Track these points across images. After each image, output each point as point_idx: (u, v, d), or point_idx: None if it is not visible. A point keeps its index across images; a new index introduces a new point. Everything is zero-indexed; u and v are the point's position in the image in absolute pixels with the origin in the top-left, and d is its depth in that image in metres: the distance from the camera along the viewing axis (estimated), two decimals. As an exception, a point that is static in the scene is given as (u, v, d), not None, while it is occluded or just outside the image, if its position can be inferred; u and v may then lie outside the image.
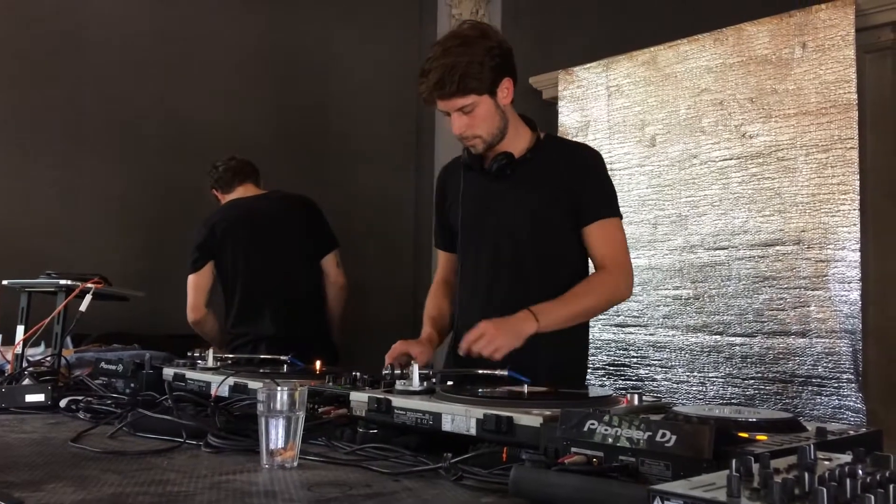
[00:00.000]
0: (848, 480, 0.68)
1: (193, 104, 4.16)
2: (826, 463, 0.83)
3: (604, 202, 1.97)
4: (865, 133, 2.89)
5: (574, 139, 3.48)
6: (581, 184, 1.95)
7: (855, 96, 2.83)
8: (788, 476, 0.72)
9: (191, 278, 3.17)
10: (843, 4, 2.87)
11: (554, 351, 1.87)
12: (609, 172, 2.10)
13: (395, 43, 4.80)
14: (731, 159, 3.18)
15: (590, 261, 2.02)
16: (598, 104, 3.68)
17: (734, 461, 0.75)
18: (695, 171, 3.29)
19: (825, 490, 0.65)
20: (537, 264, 1.96)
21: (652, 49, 3.48)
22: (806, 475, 0.70)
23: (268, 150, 4.41)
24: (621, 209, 2.04)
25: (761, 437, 1.00)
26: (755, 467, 0.76)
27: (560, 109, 3.82)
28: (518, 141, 1.98)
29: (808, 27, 2.97)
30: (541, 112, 3.74)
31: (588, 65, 3.74)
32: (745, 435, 1.00)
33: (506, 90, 1.91)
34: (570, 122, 3.77)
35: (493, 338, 1.71)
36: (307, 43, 4.56)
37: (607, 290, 1.93)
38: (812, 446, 0.83)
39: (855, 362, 2.77)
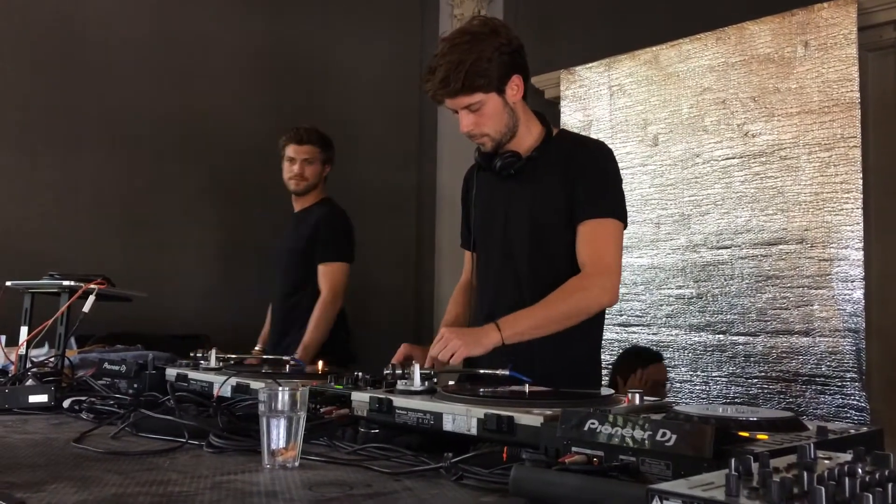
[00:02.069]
0: (847, 479, 0.68)
1: (195, 105, 4.17)
2: (826, 462, 0.83)
3: (596, 200, 1.86)
4: (868, 131, 2.89)
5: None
6: (577, 180, 1.87)
7: (857, 95, 2.83)
8: (787, 475, 0.72)
9: (347, 267, 3.12)
10: (846, 3, 2.87)
11: (560, 351, 1.83)
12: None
13: (396, 43, 4.81)
14: (733, 158, 3.17)
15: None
16: (601, 104, 3.68)
17: (733, 460, 0.75)
18: (697, 171, 3.29)
19: (823, 489, 0.65)
20: (540, 266, 1.90)
21: (654, 48, 3.48)
22: (805, 474, 0.70)
23: (269, 150, 4.42)
24: None
25: (762, 436, 1.00)
26: (754, 466, 0.76)
27: (562, 109, 3.82)
28: (529, 138, 1.93)
29: (811, 26, 2.96)
30: (543, 112, 3.75)
31: (590, 64, 3.74)
32: (745, 434, 1.00)
33: (515, 87, 1.86)
34: (573, 121, 3.77)
35: (448, 341, 1.68)
36: (309, 43, 4.56)
37: (582, 296, 1.81)
38: (812, 445, 0.83)
39: (858, 361, 2.77)
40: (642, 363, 2.98)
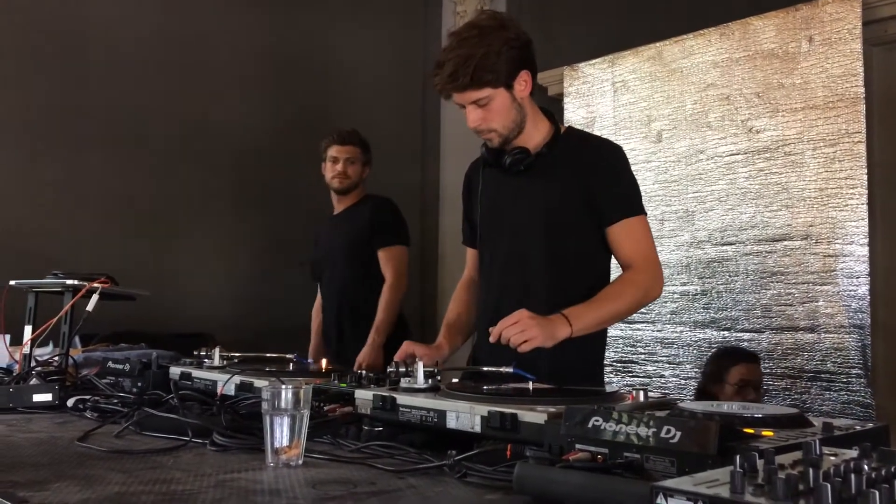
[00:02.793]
0: (853, 476, 0.67)
1: (198, 103, 4.17)
2: (832, 458, 0.83)
3: (624, 200, 1.88)
4: (873, 127, 2.88)
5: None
6: (599, 182, 1.87)
7: (862, 90, 2.82)
8: (793, 471, 0.72)
9: (407, 251, 3.19)
10: (850, -3, 2.86)
11: (565, 349, 1.80)
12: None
13: (399, 40, 4.81)
14: (737, 154, 3.16)
15: (612, 260, 1.94)
16: (604, 100, 3.67)
17: (738, 457, 0.74)
18: (701, 167, 3.28)
19: (829, 486, 0.64)
20: (549, 263, 1.89)
21: (657, 44, 3.47)
22: (811, 471, 0.70)
23: (272, 149, 4.43)
24: None
25: (767, 432, 1.00)
26: (759, 463, 0.75)
27: (565, 106, 3.81)
28: (536, 135, 1.91)
29: (815, 21, 2.95)
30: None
31: (593, 60, 3.73)
32: (750, 431, 0.99)
33: (523, 83, 1.84)
34: (576, 118, 3.76)
35: (527, 327, 1.65)
36: (311, 41, 4.56)
37: (639, 290, 1.84)
38: (817, 442, 0.82)
39: (864, 357, 2.76)
40: (731, 362, 2.81)
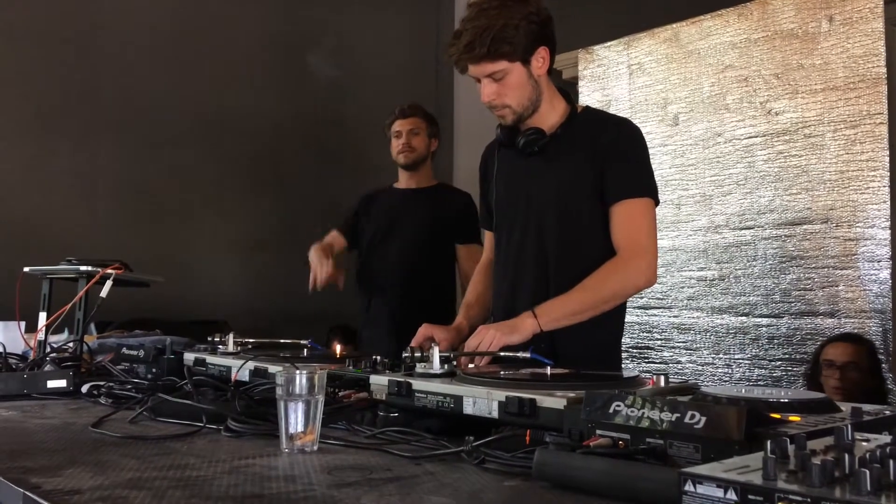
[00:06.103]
0: (891, 462, 0.65)
1: (211, 90, 4.16)
2: (864, 444, 0.80)
3: (628, 181, 1.82)
4: (895, 107, 2.82)
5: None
6: (607, 161, 1.82)
7: (884, 70, 2.76)
8: (827, 457, 0.69)
9: None
10: (872, -25, 2.80)
11: (581, 334, 1.78)
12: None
13: (411, 24, 4.77)
14: (756, 137, 3.11)
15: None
16: (620, 83, 3.62)
17: (769, 443, 0.72)
18: (719, 150, 3.24)
19: (868, 472, 0.62)
20: (563, 245, 1.86)
21: (674, 25, 3.42)
22: (846, 456, 0.67)
23: (285, 135, 4.42)
24: None
25: (794, 417, 0.97)
26: (791, 449, 0.73)
27: (580, 89, 3.76)
28: (552, 115, 1.88)
29: (835, 0, 2.89)
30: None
31: (608, 43, 3.68)
32: (777, 416, 0.97)
33: (541, 59, 1.81)
34: (591, 102, 3.71)
35: (483, 334, 1.66)
36: (323, 26, 4.54)
37: (619, 279, 1.79)
38: (849, 427, 0.80)
39: (885, 342, 2.72)
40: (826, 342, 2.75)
